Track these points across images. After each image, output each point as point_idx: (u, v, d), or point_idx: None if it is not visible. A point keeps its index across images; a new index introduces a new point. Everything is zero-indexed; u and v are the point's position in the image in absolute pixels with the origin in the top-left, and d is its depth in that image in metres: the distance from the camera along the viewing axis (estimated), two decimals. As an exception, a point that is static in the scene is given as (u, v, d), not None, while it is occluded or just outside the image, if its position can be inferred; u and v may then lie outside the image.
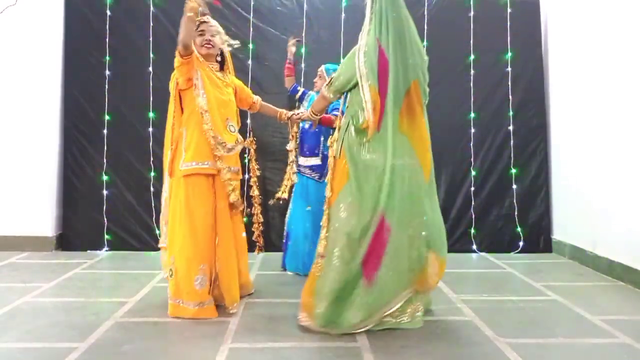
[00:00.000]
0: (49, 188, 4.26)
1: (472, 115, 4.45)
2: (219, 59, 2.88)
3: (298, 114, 3.27)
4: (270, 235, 4.20)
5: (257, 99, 3.17)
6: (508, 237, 4.42)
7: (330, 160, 2.60)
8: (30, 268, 3.70)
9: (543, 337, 2.43)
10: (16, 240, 4.20)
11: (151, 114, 4.30)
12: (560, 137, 4.36)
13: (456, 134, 4.41)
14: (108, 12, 4.31)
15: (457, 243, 4.34)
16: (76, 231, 4.32)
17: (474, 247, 4.38)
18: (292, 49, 3.87)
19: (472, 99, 4.44)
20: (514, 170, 4.44)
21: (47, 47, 4.26)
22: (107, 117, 4.31)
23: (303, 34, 4.39)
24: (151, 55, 4.32)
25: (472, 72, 4.42)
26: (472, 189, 4.43)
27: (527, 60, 4.49)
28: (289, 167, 3.54)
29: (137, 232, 4.31)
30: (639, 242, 3.26)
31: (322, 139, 3.57)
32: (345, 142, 2.53)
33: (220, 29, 2.86)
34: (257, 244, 3.12)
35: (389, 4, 2.41)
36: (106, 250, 4.26)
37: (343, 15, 4.43)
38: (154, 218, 4.26)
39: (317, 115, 2.96)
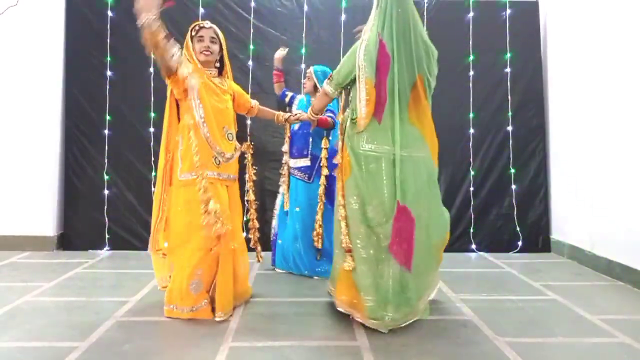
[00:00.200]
0: (49, 188, 4.27)
1: (472, 115, 4.46)
2: (217, 64, 2.83)
3: (296, 115, 3.28)
4: (270, 234, 4.20)
5: (254, 103, 3.12)
6: (507, 236, 4.43)
7: (338, 156, 2.65)
8: (31, 267, 3.71)
9: (542, 336, 2.44)
10: (17, 239, 4.21)
11: (152, 114, 4.30)
12: (559, 137, 4.36)
13: (455, 134, 4.42)
14: (109, 12, 4.32)
15: (457, 243, 4.35)
16: (77, 231, 4.33)
17: (473, 246, 4.39)
18: (280, 57, 3.86)
19: (471, 99, 4.45)
20: (513, 170, 4.45)
21: (48, 48, 4.27)
22: (108, 117, 4.32)
23: (303, 34, 4.41)
24: (151, 56, 4.32)
25: (471, 72, 4.44)
26: (472, 189, 4.44)
27: (527, 60, 4.50)
28: (284, 169, 3.62)
29: (137, 232, 4.32)
30: (638, 242, 3.26)
31: (310, 140, 3.56)
32: (346, 135, 2.62)
33: (220, 33, 2.79)
34: (256, 251, 3.10)
35: (394, 0, 2.45)
36: (107, 250, 4.27)
37: (343, 15, 4.44)
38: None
39: (317, 115, 2.99)
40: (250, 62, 4.40)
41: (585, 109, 3.91)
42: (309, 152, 3.58)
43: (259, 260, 3.13)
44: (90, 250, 4.25)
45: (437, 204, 2.65)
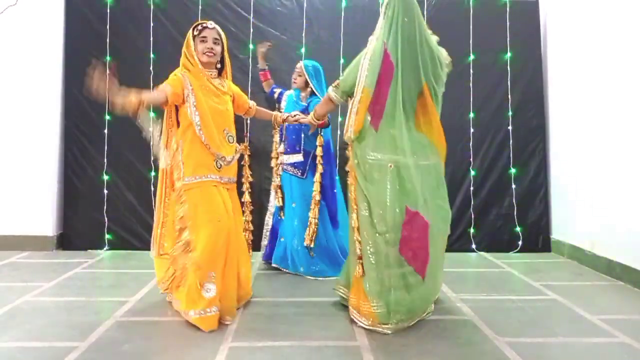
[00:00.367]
0: (49, 188, 4.26)
1: (472, 115, 4.46)
2: (218, 65, 2.78)
3: (295, 116, 3.27)
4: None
5: (252, 104, 3.09)
6: (507, 236, 4.43)
7: (350, 163, 2.67)
8: (30, 267, 3.70)
9: (542, 336, 2.44)
10: (17, 239, 4.20)
11: (151, 114, 4.28)
12: (559, 137, 4.36)
13: (456, 134, 4.41)
14: (108, 12, 4.31)
15: (457, 242, 4.35)
16: (77, 231, 4.33)
17: (473, 246, 4.38)
18: (261, 54, 3.83)
19: (471, 99, 4.45)
20: (513, 170, 4.45)
21: (47, 47, 4.26)
22: (107, 117, 4.32)
23: (303, 34, 4.40)
24: (151, 56, 4.32)
25: (471, 72, 4.43)
26: (472, 188, 4.44)
27: (527, 60, 4.50)
28: (274, 169, 3.63)
29: (137, 232, 4.31)
30: (638, 242, 3.26)
31: (302, 135, 3.55)
32: (354, 143, 2.61)
33: (222, 34, 2.75)
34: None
35: (401, 9, 2.48)
36: (107, 250, 4.27)
37: (343, 15, 4.44)
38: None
39: (319, 120, 3.00)
40: (250, 62, 4.40)
41: (585, 108, 3.90)
42: (301, 147, 3.57)
43: None
44: (90, 250, 4.25)
45: (443, 204, 2.65)
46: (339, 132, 4.40)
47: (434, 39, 2.65)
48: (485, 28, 4.46)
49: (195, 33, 2.68)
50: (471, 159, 4.45)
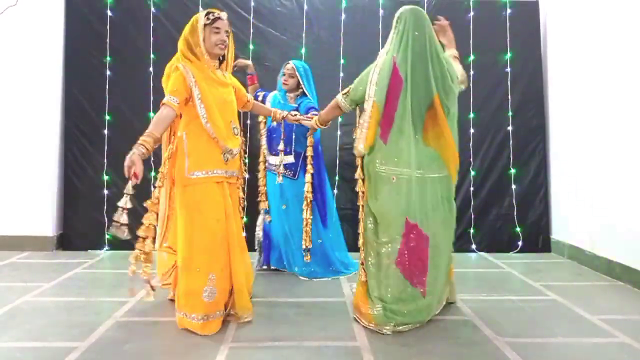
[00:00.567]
0: (49, 188, 4.26)
1: (472, 115, 4.46)
2: (220, 57, 2.72)
3: (295, 115, 3.25)
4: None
5: (250, 97, 3.05)
6: (507, 236, 4.43)
7: (358, 173, 2.72)
8: (30, 268, 3.71)
9: (542, 336, 2.44)
10: (17, 239, 4.20)
11: (151, 114, 4.30)
12: (559, 137, 4.36)
13: (455, 134, 4.42)
14: (108, 12, 4.32)
15: (457, 243, 4.28)
16: (77, 231, 4.33)
17: (473, 246, 4.38)
18: (243, 64, 3.79)
19: (471, 99, 4.45)
20: (513, 171, 4.45)
21: (47, 48, 4.26)
22: (107, 117, 4.32)
23: (303, 34, 4.40)
24: (151, 56, 4.32)
25: (471, 72, 4.43)
26: (472, 189, 4.44)
27: (527, 60, 4.50)
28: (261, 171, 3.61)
29: (137, 232, 4.30)
30: (638, 242, 3.26)
31: (293, 136, 3.50)
32: (364, 156, 2.65)
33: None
34: None
35: (411, 23, 2.55)
36: (107, 250, 4.27)
37: (343, 15, 4.44)
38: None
39: (322, 126, 3.02)
40: (250, 62, 4.39)
41: (585, 109, 3.90)
42: (292, 148, 3.53)
43: None
44: (90, 251, 4.25)
45: (447, 219, 2.65)
46: (338, 133, 4.41)
47: (450, 52, 2.77)
48: (485, 28, 4.46)
49: (207, 22, 2.56)
50: (471, 159, 4.45)
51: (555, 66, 4.43)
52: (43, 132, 4.25)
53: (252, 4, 4.40)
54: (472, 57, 4.44)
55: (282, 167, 3.52)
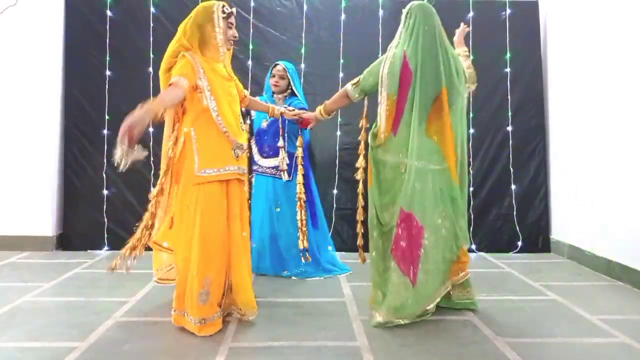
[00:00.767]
0: (49, 188, 4.26)
1: (471, 115, 4.45)
2: None
3: (293, 109, 3.24)
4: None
5: (247, 93, 2.98)
6: (507, 237, 4.43)
7: (361, 162, 2.81)
8: (30, 267, 3.71)
9: (542, 336, 2.44)
10: (17, 239, 4.20)
11: (151, 114, 4.29)
12: (559, 137, 4.36)
13: (455, 134, 4.42)
14: (108, 12, 4.32)
15: (457, 243, 4.34)
16: (77, 231, 4.33)
17: (473, 246, 4.38)
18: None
19: (471, 99, 4.43)
20: (512, 171, 4.45)
21: (47, 47, 4.26)
22: (107, 117, 4.32)
23: (303, 34, 4.40)
24: (151, 55, 4.32)
25: (471, 72, 4.43)
26: (471, 189, 4.44)
27: (526, 60, 4.50)
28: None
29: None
30: (638, 242, 3.26)
31: (285, 136, 3.46)
32: (369, 146, 2.74)
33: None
34: None
35: (421, 18, 2.62)
36: (106, 250, 4.27)
37: (343, 15, 4.44)
38: (154, 218, 4.27)
39: (327, 116, 3.00)
40: (250, 62, 4.40)
41: (585, 109, 3.90)
42: (285, 149, 3.47)
43: None
44: (90, 251, 4.25)
45: (453, 216, 2.65)
46: (338, 133, 4.41)
47: (460, 50, 2.89)
48: (485, 28, 4.46)
49: (224, 15, 2.50)
50: (471, 159, 4.45)
51: (555, 66, 4.43)
52: (43, 131, 4.25)
53: (252, 4, 4.40)
54: (471, 57, 4.41)
55: (284, 163, 3.48)
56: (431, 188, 2.58)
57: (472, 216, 4.41)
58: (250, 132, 3.58)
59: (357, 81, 2.76)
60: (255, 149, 3.60)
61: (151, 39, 4.33)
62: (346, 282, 3.37)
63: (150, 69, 4.30)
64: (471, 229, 4.40)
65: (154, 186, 4.14)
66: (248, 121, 3.66)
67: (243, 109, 2.99)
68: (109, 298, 2.98)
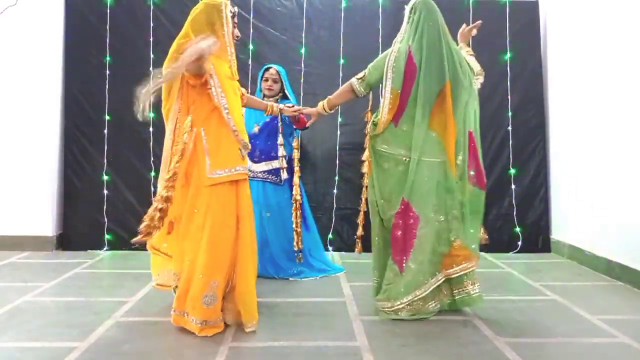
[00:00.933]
0: (49, 188, 4.26)
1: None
2: None
3: (292, 106, 3.22)
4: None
5: (244, 91, 2.94)
6: (507, 236, 4.43)
7: (365, 153, 2.88)
8: (30, 267, 3.71)
9: (542, 336, 2.44)
10: (17, 239, 4.20)
11: (151, 114, 4.29)
12: (559, 137, 4.36)
13: (455, 134, 4.42)
14: (108, 12, 4.32)
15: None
16: (77, 231, 4.33)
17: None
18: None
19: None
20: (512, 170, 4.45)
21: (47, 47, 4.26)
22: (107, 117, 4.32)
23: (303, 34, 4.40)
24: (151, 55, 4.32)
25: (471, 72, 4.43)
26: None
27: (526, 60, 4.50)
28: None
29: (137, 232, 4.29)
30: (638, 242, 3.26)
31: (278, 142, 3.43)
32: (372, 136, 2.80)
33: None
34: None
35: (426, 13, 2.68)
36: (106, 250, 4.27)
37: (343, 15, 4.44)
38: (154, 218, 4.27)
39: (330, 110, 3.01)
40: (250, 62, 4.39)
41: (585, 108, 3.90)
42: (277, 153, 3.45)
43: None
44: (90, 251, 4.25)
45: (448, 210, 2.68)
46: (338, 132, 4.40)
47: (466, 50, 2.96)
48: (485, 28, 4.42)
49: (230, 15, 2.49)
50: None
51: (555, 66, 4.43)
52: (43, 131, 4.25)
53: (252, 3, 4.40)
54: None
55: (263, 173, 3.46)
56: (429, 180, 2.65)
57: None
58: None
59: (363, 76, 2.81)
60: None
61: (151, 38, 4.33)
62: (346, 282, 3.37)
63: (151, 69, 4.30)
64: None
65: (153, 186, 4.10)
66: None
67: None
68: (109, 298, 2.97)
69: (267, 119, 3.47)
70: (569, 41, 4.19)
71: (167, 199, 2.34)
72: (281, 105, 3.17)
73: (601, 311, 2.79)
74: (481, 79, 2.90)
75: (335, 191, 4.39)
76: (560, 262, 4.07)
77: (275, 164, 3.49)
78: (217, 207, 2.40)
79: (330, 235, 4.37)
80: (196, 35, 2.38)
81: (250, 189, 3.28)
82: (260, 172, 3.51)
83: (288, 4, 4.46)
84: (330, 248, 4.34)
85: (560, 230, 4.33)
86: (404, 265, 2.64)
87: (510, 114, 4.46)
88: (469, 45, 3.18)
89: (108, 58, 4.32)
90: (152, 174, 4.28)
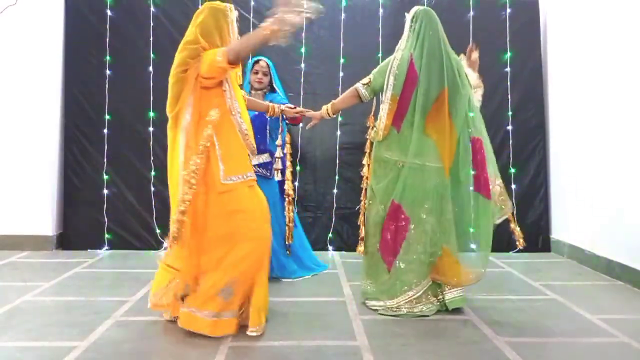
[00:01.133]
0: (49, 187, 4.26)
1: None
2: None
3: (294, 107, 3.22)
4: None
5: (245, 93, 2.93)
6: (507, 236, 4.39)
7: (365, 160, 2.97)
8: (30, 267, 3.71)
9: (542, 336, 2.44)
10: (17, 239, 4.20)
11: (151, 114, 4.30)
12: (559, 136, 4.36)
13: (455, 134, 4.42)
14: (108, 12, 4.31)
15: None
16: (76, 230, 4.33)
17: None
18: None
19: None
20: (512, 170, 4.45)
21: (47, 47, 4.26)
22: (107, 117, 4.32)
23: (303, 34, 4.40)
24: (151, 55, 4.32)
25: (471, 72, 4.43)
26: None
27: (526, 60, 4.50)
28: None
29: (137, 232, 4.31)
30: (638, 242, 3.26)
31: (267, 134, 3.41)
32: (374, 143, 2.88)
33: None
34: None
35: (427, 22, 2.78)
36: (106, 250, 4.27)
37: (343, 15, 4.43)
38: (154, 217, 4.27)
39: (333, 115, 3.07)
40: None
41: (586, 108, 3.90)
42: (266, 147, 3.44)
43: None
44: (90, 250, 4.24)
45: (441, 214, 2.76)
46: (338, 132, 4.40)
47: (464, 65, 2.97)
48: (485, 28, 4.46)
49: (234, 18, 2.47)
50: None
51: (555, 66, 4.43)
52: (43, 131, 4.25)
53: (252, 3, 4.40)
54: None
55: (279, 162, 3.43)
56: (423, 184, 2.71)
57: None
58: None
59: (369, 81, 2.88)
60: None
61: (151, 39, 4.33)
62: (346, 282, 3.37)
63: (150, 69, 4.30)
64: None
65: (153, 185, 4.08)
66: None
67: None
68: (109, 297, 2.97)
69: (256, 113, 3.43)
70: (569, 40, 4.18)
71: (188, 201, 2.26)
72: (282, 106, 3.16)
73: (601, 311, 2.79)
74: (480, 91, 2.98)
75: (335, 191, 4.38)
76: (560, 262, 4.07)
77: (264, 158, 3.46)
78: (234, 211, 2.35)
79: (330, 235, 4.36)
80: (207, 40, 2.35)
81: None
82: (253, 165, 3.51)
83: (288, 3, 4.45)
84: (330, 247, 4.34)
85: (560, 229, 4.33)
86: (391, 265, 2.73)
87: (510, 113, 4.46)
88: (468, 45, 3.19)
89: (108, 58, 4.32)
90: (152, 173, 4.29)
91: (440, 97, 2.72)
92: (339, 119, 4.34)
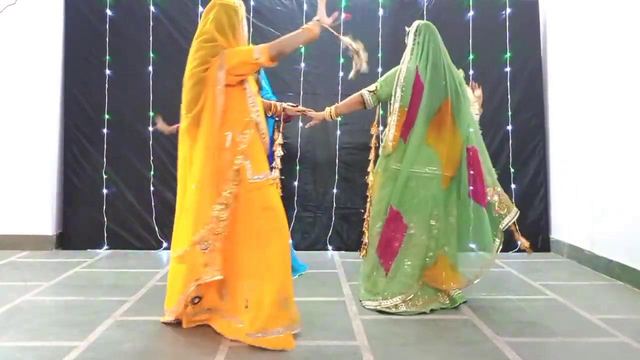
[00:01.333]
0: (49, 187, 4.26)
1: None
2: None
3: (297, 105, 3.21)
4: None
5: None
6: (507, 236, 4.40)
7: (369, 170, 3.06)
8: (30, 267, 3.71)
9: (541, 336, 2.44)
10: (16, 239, 4.20)
11: (151, 113, 4.30)
12: (558, 136, 4.36)
13: (455, 134, 4.42)
14: (108, 12, 4.31)
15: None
16: (76, 230, 4.33)
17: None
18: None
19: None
20: (512, 170, 4.45)
21: (47, 47, 4.26)
22: (107, 116, 4.32)
23: (303, 34, 4.39)
24: (151, 55, 4.32)
25: (471, 72, 4.42)
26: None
27: (526, 60, 4.50)
28: None
29: (137, 231, 4.31)
30: (638, 242, 3.27)
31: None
32: (380, 155, 2.97)
33: None
34: None
35: (430, 35, 2.86)
36: (106, 249, 4.27)
37: (343, 15, 4.42)
38: (154, 217, 4.27)
39: (335, 118, 3.14)
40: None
41: (585, 108, 3.90)
42: None
43: None
44: (90, 250, 4.24)
45: (440, 222, 2.82)
46: (338, 132, 4.40)
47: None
48: (484, 28, 4.46)
49: (244, 15, 2.48)
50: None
51: (555, 66, 4.43)
52: (43, 131, 4.25)
53: (252, 3, 4.39)
54: (471, 57, 4.44)
55: (279, 161, 3.44)
56: (421, 191, 2.78)
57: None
58: None
59: (375, 89, 2.95)
60: None
61: (151, 38, 4.33)
62: (346, 282, 3.37)
63: (150, 69, 4.30)
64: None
65: (154, 185, 4.07)
66: None
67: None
68: (109, 297, 2.97)
69: None
70: (569, 40, 4.19)
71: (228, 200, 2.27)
72: (284, 105, 3.17)
73: (601, 311, 2.79)
74: (477, 106, 3.04)
75: (335, 190, 4.38)
76: (559, 262, 4.08)
77: None
78: (264, 209, 2.33)
79: (330, 235, 4.36)
80: (225, 39, 2.34)
81: None
82: None
83: (288, 3, 4.46)
84: (330, 247, 4.34)
85: (560, 229, 4.33)
86: (389, 268, 2.80)
87: (510, 113, 4.46)
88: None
89: (108, 58, 4.32)
90: (152, 173, 4.29)
91: (443, 108, 2.79)
92: (339, 118, 4.34)
